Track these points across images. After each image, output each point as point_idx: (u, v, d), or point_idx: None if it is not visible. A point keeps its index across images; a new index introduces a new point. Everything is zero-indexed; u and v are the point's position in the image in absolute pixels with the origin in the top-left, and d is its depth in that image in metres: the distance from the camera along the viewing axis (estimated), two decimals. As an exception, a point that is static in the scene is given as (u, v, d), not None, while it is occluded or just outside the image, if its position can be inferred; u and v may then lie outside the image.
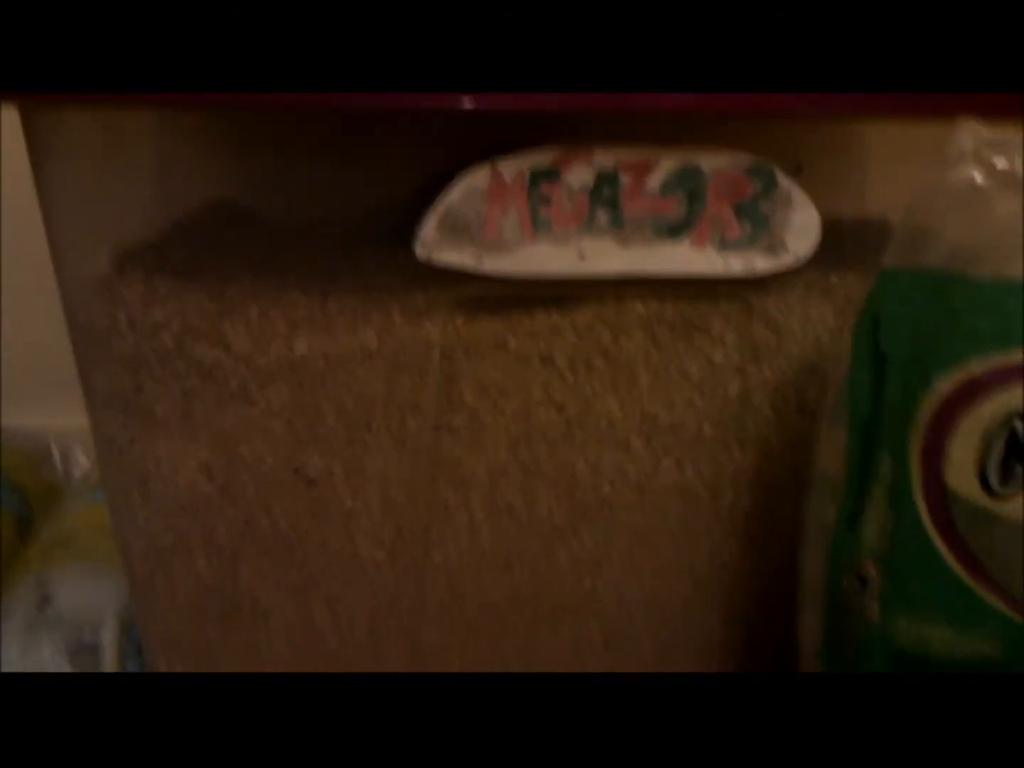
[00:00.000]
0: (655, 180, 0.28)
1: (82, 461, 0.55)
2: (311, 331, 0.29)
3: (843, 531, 0.28)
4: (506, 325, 0.30)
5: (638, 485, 0.32)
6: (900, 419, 0.26)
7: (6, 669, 0.37)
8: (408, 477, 0.31)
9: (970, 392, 0.25)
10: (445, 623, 0.34)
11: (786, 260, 0.29)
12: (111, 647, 0.38)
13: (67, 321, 0.29)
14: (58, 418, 0.50)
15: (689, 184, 0.28)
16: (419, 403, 0.30)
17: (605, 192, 0.28)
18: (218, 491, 0.31)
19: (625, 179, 0.27)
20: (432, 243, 0.27)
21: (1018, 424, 0.25)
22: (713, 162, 0.28)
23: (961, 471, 0.25)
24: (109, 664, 0.37)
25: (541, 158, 0.27)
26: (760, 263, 0.29)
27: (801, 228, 0.29)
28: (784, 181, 0.28)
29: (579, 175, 0.27)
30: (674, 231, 0.28)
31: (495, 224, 0.27)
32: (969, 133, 0.24)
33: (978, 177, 0.24)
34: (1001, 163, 0.24)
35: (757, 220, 0.28)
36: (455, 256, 0.28)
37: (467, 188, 0.27)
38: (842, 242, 0.30)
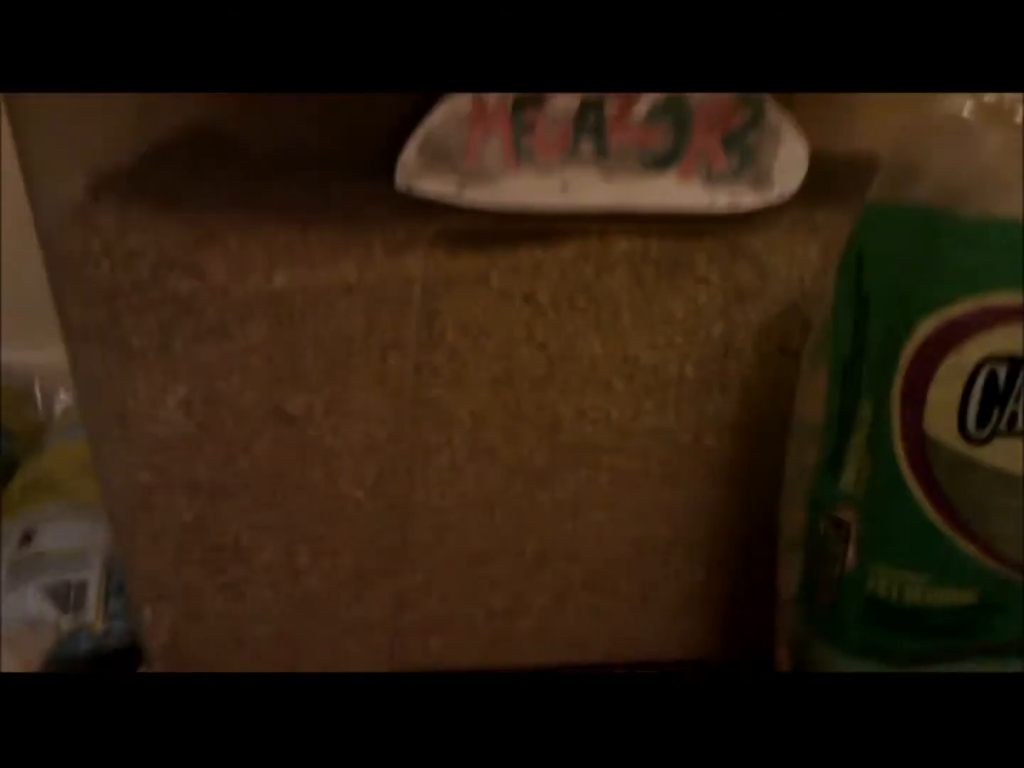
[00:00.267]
0: (641, 108, 0.27)
1: (64, 398, 0.54)
2: (290, 263, 0.29)
3: (822, 476, 0.28)
4: (488, 260, 0.30)
5: (620, 427, 0.32)
6: (882, 362, 0.26)
7: (-12, 610, 0.37)
8: (389, 416, 0.31)
9: (952, 335, 0.24)
10: (427, 565, 0.34)
11: (772, 195, 0.28)
12: (94, 586, 0.38)
13: (42, 251, 0.28)
14: (40, 354, 0.50)
15: (676, 113, 0.27)
16: (400, 340, 0.30)
17: (590, 120, 0.27)
18: (197, 428, 0.31)
19: (611, 107, 0.27)
20: (413, 170, 0.27)
21: (998, 368, 0.24)
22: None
23: (940, 417, 0.25)
24: (92, 603, 0.37)
25: (525, 84, 0.27)
26: (746, 198, 0.28)
27: (789, 161, 0.28)
28: (773, 112, 0.27)
29: (564, 102, 0.27)
30: (660, 163, 0.28)
31: (476, 151, 0.27)
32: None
33: (966, 110, 0.24)
34: (990, 97, 0.23)
35: (744, 152, 0.28)
36: (436, 184, 0.27)
37: (449, 113, 0.26)
38: (829, 178, 0.29)
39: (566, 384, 0.32)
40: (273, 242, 0.29)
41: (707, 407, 0.32)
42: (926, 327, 0.24)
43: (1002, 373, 0.24)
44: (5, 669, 0.35)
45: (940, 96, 0.24)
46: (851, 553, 0.27)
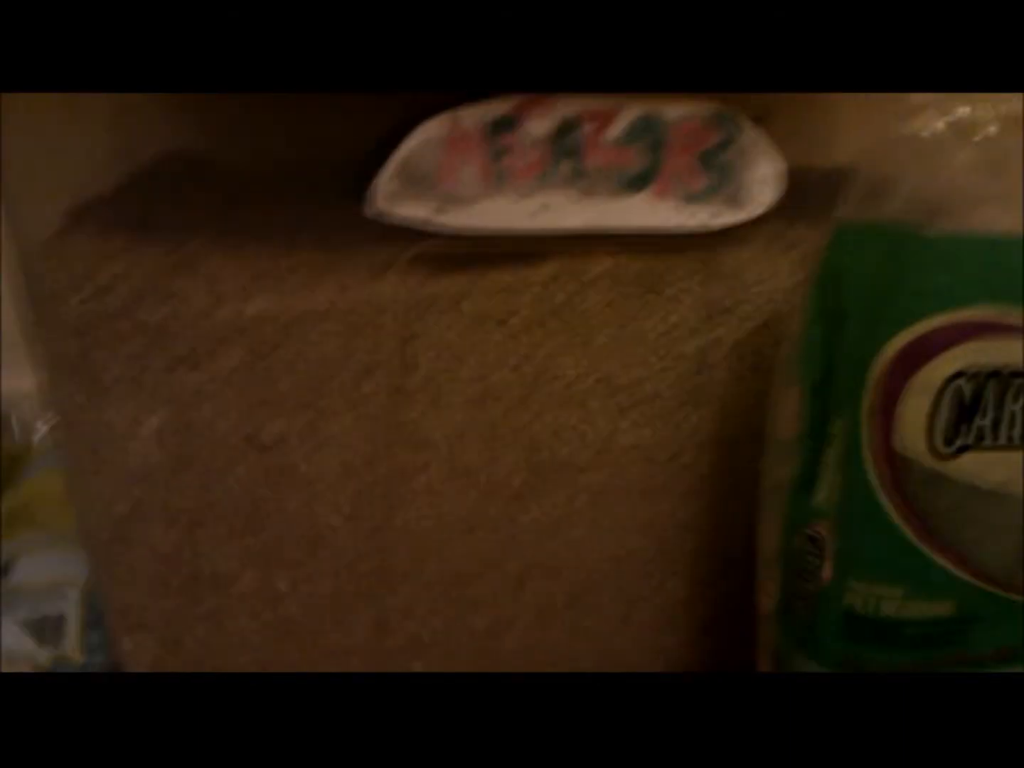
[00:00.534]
0: (616, 130, 0.27)
1: (42, 427, 0.54)
2: (265, 290, 0.29)
3: (796, 492, 0.28)
4: (462, 284, 0.30)
5: (597, 446, 0.32)
6: (853, 379, 0.26)
7: (-34, 642, 0.37)
8: (366, 441, 0.31)
9: (922, 351, 0.25)
10: (409, 589, 0.34)
11: (749, 211, 0.29)
12: (73, 619, 0.38)
13: (19, 282, 0.28)
14: (17, 382, 0.49)
15: (651, 133, 0.27)
16: (375, 365, 0.30)
17: (566, 142, 0.27)
18: (172, 458, 0.30)
19: (586, 129, 0.27)
20: (390, 194, 0.27)
21: (963, 384, 0.25)
22: (674, 111, 0.27)
23: (910, 432, 0.25)
24: (71, 636, 0.37)
25: (501, 107, 0.27)
26: (722, 215, 0.28)
27: (764, 179, 0.28)
28: (748, 130, 0.28)
29: (539, 124, 0.27)
30: (636, 183, 0.28)
31: (453, 175, 0.27)
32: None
33: (933, 129, 0.24)
34: (957, 114, 0.24)
35: (720, 170, 0.28)
36: (413, 208, 0.27)
37: (425, 137, 0.26)
38: (805, 195, 0.30)
39: (542, 404, 0.32)
40: (248, 269, 0.29)
41: (684, 424, 0.33)
42: (896, 343, 0.25)
43: (968, 389, 0.25)
44: (-17, 704, 0.35)
45: (909, 113, 0.24)
46: (827, 568, 0.27)
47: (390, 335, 0.30)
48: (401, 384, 0.31)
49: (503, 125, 0.27)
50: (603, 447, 0.32)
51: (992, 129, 0.23)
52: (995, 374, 0.25)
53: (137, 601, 0.33)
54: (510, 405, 0.31)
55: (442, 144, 0.27)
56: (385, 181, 0.27)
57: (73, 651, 0.37)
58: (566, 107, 0.27)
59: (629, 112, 0.27)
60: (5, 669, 0.36)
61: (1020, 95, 0.23)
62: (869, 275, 0.25)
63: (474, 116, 0.27)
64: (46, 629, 0.37)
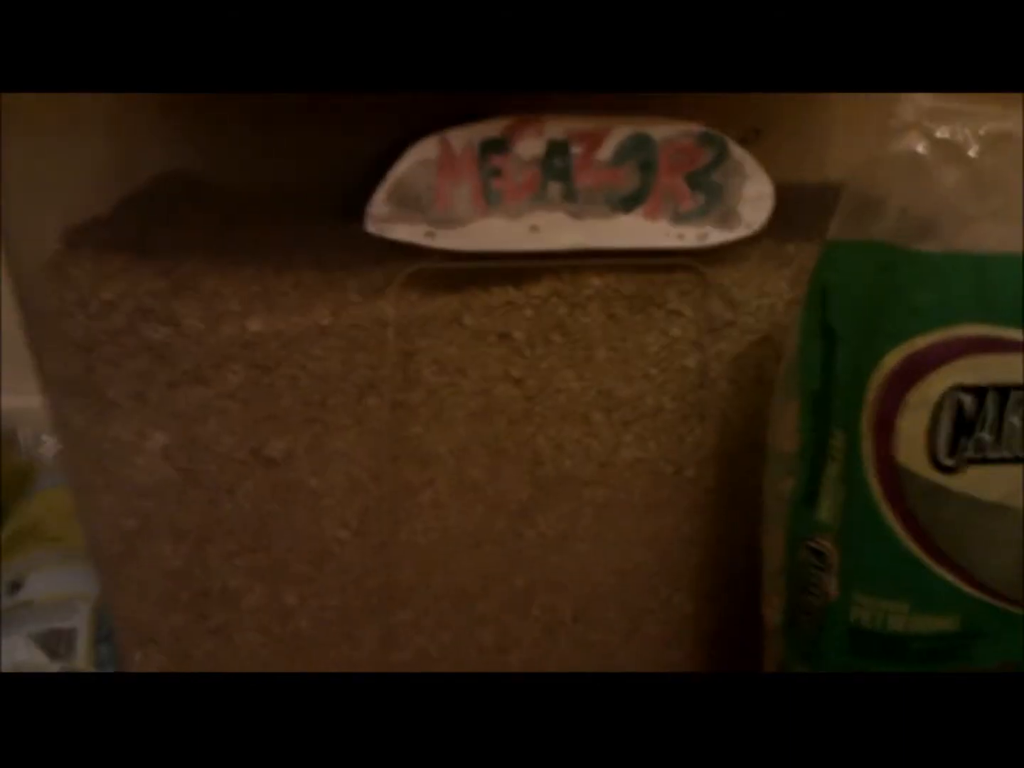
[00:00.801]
0: (606, 150, 0.27)
1: (50, 443, 0.54)
2: (265, 308, 0.29)
3: (799, 506, 0.28)
4: (462, 300, 0.30)
5: (600, 460, 0.32)
6: (851, 394, 0.26)
7: (-23, 657, 0.37)
8: (370, 456, 0.31)
9: (916, 367, 0.25)
10: (415, 603, 0.34)
11: (740, 231, 0.29)
12: (83, 633, 0.38)
13: (17, 301, 0.29)
14: (25, 399, 0.50)
15: (641, 154, 0.28)
16: (377, 381, 0.30)
17: (556, 163, 0.27)
18: (179, 473, 0.31)
19: (576, 149, 0.27)
20: (383, 217, 0.27)
21: (963, 398, 0.25)
22: (663, 131, 0.27)
23: (911, 446, 0.25)
24: (82, 651, 0.37)
25: (490, 128, 0.27)
26: (714, 234, 0.29)
27: (755, 198, 0.28)
28: (736, 150, 0.28)
29: (529, 146, 0.27)
30: (627, 203, 0.28)
31: (446, 197, 0.27)
32: (911, 103, 0.24)
33: (921, 148, 0.24)
34: (943, 133, 0.24)
35: (710, 190, 0.28)
36: (407, 230, 0.27)
37: (416, 160, 0.27)
38: (798, 211, 0.30)
39: (545, 419, 0.32)
40: (247, 287, 0.29)
41: (686, 437, 0.33)
42: (891, 359, 0.25)
43: (968, 402, 0.24)
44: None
45: (897, 132, 0.24)
46: (832, 583, 0.27)
47: (392, 350, 0.30)
48: (404, 399, 0.31)
49: (494, 147, 0.27)
50: (606, 461, 0.33)
51: (979, 148, 0.23)
52: (994, 388, 0.25)
53: (146, 616, 0.33)
54: (513, 419, 0.32)
55: (433, 166, 0.27)
56: (378, 204, 0.27)
57: (83, 665, 0.37)
58: (556, 128, 0.27)
59: (618, 133, 0.27)
60: (17, 683, 0.36)
61: (1006, 115, 0.23)
62: (860, 292, 0.26)
63: (465, 138, 0.27)
64: (57, 643, 0.38)
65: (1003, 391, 0.25)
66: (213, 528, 0.32)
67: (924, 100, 0.24)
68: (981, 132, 0.23)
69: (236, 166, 0.28)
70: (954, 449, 0.25)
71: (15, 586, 0.40)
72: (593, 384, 0.31)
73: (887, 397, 0.25)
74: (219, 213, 0.28)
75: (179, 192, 0.28)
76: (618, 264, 0.30)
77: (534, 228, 0.28)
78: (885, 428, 0.25)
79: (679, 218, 0.28)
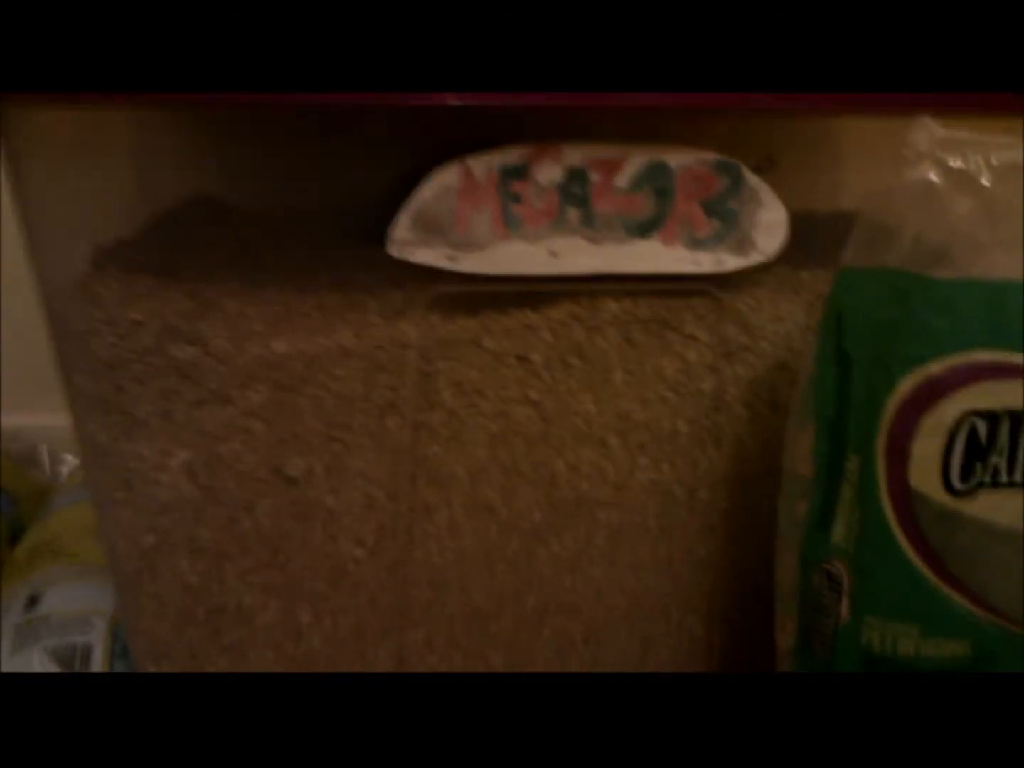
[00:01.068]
0: (624, 177, 0.28)
1: (70, 460, 0.55)
2: (289, 329, 0.29)
3: (813, 530, 0.28)
4: (482, 323, 0.30)
5: (615, 483, 0.33)
6: (865, 418, 0.26)
7: (-6, 671, 0.37)
8: (388, 476, 0.32)
9: (930, 392, 0.25)
10: (429, 623, 0.34)
11: (755, 257, 0.29)
12: (99, 649, 0.38)
13: (46, 321, 0.29)
14: (46, 417, 0.50)
15: (657, 181, 0.28)
16: (397, 402, 0.31)
17: (575, 189, 0.28)
18: (200, 491, 0.31)
19: (594, 176, 0.28)
20: (405, 242, 0.28)
21: (977, 423, 0.25)
22: (680, 159, 0.28)
23: (924, 470, 0.25)
24: (97, 666, 0.38)
25: (511, 155, 0.28)
26: (729, 260, 0.29)
27: (769, 225, 0.29)
28: (751, 178, 0.28)
29: (549, 172, 0.28)
30: (644, 229, 0.29)
31: (467, 222, 0.28)
32: (924, 133, 0.24)
33: (934, 177, 0.24)
34: (956, 163, 0.24)
35: (726, 217, 0.29)
36: (428, 255, 0.28)
37: (438, 186, 0.27)
38: (813, 237, 0.30)
39: (561, 441, 0.32)
40: (272, 309, 0.30)
41: (701, 461, 0.33)
42: (906, 385, 0.25)
43: (983, 428, 0.25)
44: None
45: (910, 162, 0.25)
46: (844, 606, 0.27)
47: (413, 371, 0.30)
48: (423, 420, 0.31)
49: (514, 173, 0.28)
50: (621, 484, 0.33)
51: (991, 178, 0.24)
52: (1008, 413, 0.25)
53: (162, 632, 0.33)
54: (530, 441, 0.32)
55: (455, 192, 0.27)
56: (400, 228, 0.28)
57: (99, 681, 0.37)
58: (575, 155, 0.28)
59: (636, 161, 0.28)
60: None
61: (1016, 145, 0.24)
62: (875, 318, 0.26)
63: (485, 164, 0.27)
64: (73, 658, 0.38)
65: (1016, 416, 0.25)
66: (231, 545, 0.32)
67: (937, 130, 0.24)
68: (993, 162, 0.24)
69: (261, 189, 0.29)
70: (967, 474, 0.25)
71: (32, 600, 0.40)
72: (609, 407, 0.32)
73: (901, 422, 0.25)
74: (244, 235, 0.29)
75: (205, 215, 0.29)
76: (635, 289, 0.30)
77: (553, 253, 0.29)
78: (899, 453, 0.25)
79: (695, 244, 0.29)
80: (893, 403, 0.25)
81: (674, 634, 0.35)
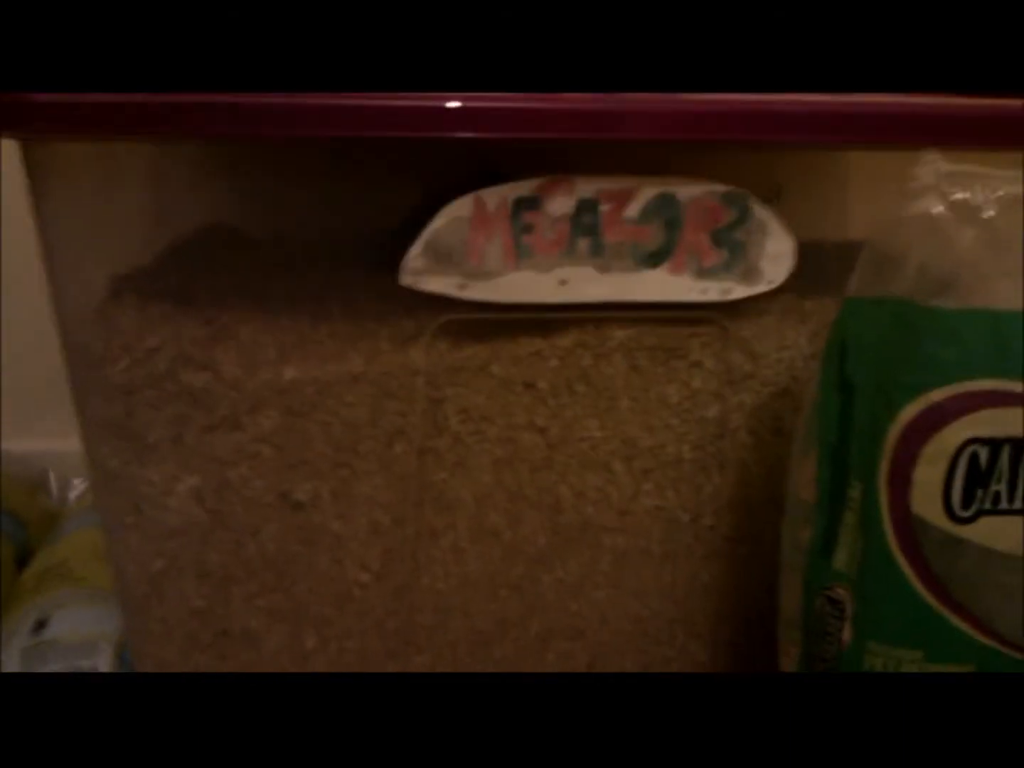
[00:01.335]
0: (634, 209, 0.29)
1: (78, 485, 0.55)
2: (300, 356, 0.30)
3: (816, 555, 0.29)
4: (489, 350, 0.31)
5: (620, 508, 0.33)
6: (868, 445, 0.27)
7: (0, 695, 0.37)
8: (395, 501, 0.32)
9: (932, 419, 0.25)
10: (433, 647, 0.34)
11: (761, 286, 0.30)
12: (106, 672, 0.38)
13: (63, 347, 0.29)
14: (55, 443, 0.51)
15: (667, 212, 0.29)
16: (405, 428, 0.31)
17: (585, 220, 0.28)
18: (208, 515, 0.31)
19: (605, 208, 0.28)
20: (417, 270, 0.28)
21: (979, 450, 0.25)
22: (689, 191, 0.29)
23: (926, 496, 0.26)
24: (101, 690, 0.38)
25: (523, 187, 0.28)
26: (736, 289, 0.30)
27: (776, 255, 0.29)
28: (759, 209, 0.29)
29: (560, 204, 0.28)
30: (653, 258, 0.29)
31: (479, 251, 0.28)
32: (929, 166, 0.25)
33: (939, 209, 0.25)
34: (960, 195, 0.25)
35: (733, 247, 0.29)
36: (440, 283, 0.28)
37: (451, 216, 0.28)
38: (819, 267, 0.31)
39: (567, 467, 0.32)
40: (284, 336, 0.30)
41: (705, 487, 0.33)
42: (908, 412, 0.25)
43: (984, 454, 0.25)
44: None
45: (914, 194, 0.25)
46: (847, 631, 0.28)
47: (421, 398, 0.31)
48: (431, 445, 0.31)
49: (526, 204, 0.28)
50: (626, 509, 0.33)
51: (994, 210, 0.24)
52: (1009, 440, 0.25)
53: (169, 656, 0.34)
54: (535, 467, 0.32)
55: (467, 223, 0.28)
56: (413, 258, 0.28)
57: (104, 705, 0.37)
58: (586, 188, 0.28)
59: (645, 193, 0.28)
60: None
61: (1020, 179, 0.24)
62: (878, 347, 0.26)
63: (497, 196, 0.28)
64: (78, 683, 0.38)
65: (1017, 443, 0.25)
66: (237, 569, 0.32)
67: (942, 164, 0.25)
68: (996, 195, 0.24)
69: (274, 219, 0.30)
70: (969, 500, 0.25)
71: (40, 624, 0.40)
72: (615, 433, 0.32)
73: (904, 449, 0.25)
74: (258, 264, 0.29)
75: (219, 243, 0.30)
76: (642, 317, 0.31)
77: (563, 281, 0.29)
78: (901, 479, 0.26)
79: (703, 273, 0.29)
80: (895, 430, 0.26)
81: (678, 659, 0.36)
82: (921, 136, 0.27)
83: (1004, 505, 0.26)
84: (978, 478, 0.25)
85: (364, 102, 0.26)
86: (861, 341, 0.26)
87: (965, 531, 0.26)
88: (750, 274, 0.29)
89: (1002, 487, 0.25)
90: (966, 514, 0.26)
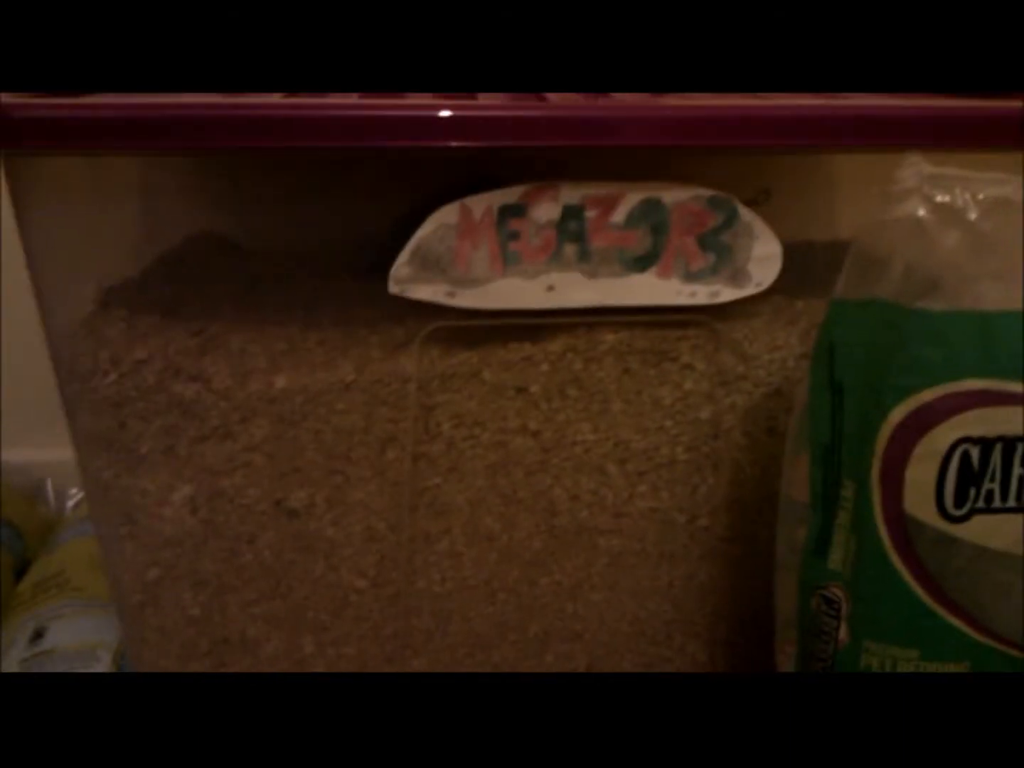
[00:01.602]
0: (620, 214, 0.29)
1: (75, 494, 0.55)
2: (290, 365, 0.30)
3: (811, 555, 0.29)
4: (480, 356, 0.31)
5: (615, 510, 0.33)
6: (859, 446, 0.27)
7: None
8: (389, 507, 0.32)
9: (922, 420, 0.25)
10: (431, 651, 0.34)
11: (750, 289, 0.30)
12: (103, 682, 0.38)
13: (52, 360, 0.29)
14: (52, 452, 0.51)
15: (652, 217, 0.29)
16: (397, 434, 0.31)
17: (571, 226, 0.28)
18: (202, 525, 0.31)
19: (590, 214, 0.28)
20: (405, 278, 0.28)
21: (970, 449, 0.25)
22: (675, 195, 0.29)
23: (919, 496, 0.26)
24: (101, 699, 0.38)
25: (508, 194, 0.28)
26: (724, 292, 0.30)
27: (764, 257, 0.29)
28: (745, 212, 0.29)
29: (546, 210, 0.28)
30: (640, 263, 0.29)
31: (465, 259, 0.28)
32: (912, 169, 0.25)
33: (922, 212, 0.25)
34: (943, 198, 0.25)
35: (720, 250, 0.29)
36: (428, 291, 0.28)
37: (438, 224, 0.28)
38: (808, 268, 0.31)
39: (560, 470, 0.32)
40: (274, 345, 0.30)
41: (700, 488, 0.33)
42: (898, 413, 0.25)
43: (975, 454, 0.25)
44: None
45: (899, 197, 0.25)
46: (843, 630, 0.28)
47: (413, 404, 0.31)
48: (423, 451, 0.31)
49: (512, 211, 0.28)
50: (621, 511, 0.33)
51: (977, 212, 0.24)
52: (1001, 439, 0.25)
53: (167, 664, 0.34)
54: (529, 470, 0.32)
55: (453, 230, 0.28)
56: (400, 266, 0.28)
57: (104, 714, 0.37)
58: (571, 194, 0.28)
59: (631, 198, 0.28)
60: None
61: (1003, 181, 0.24)
62: (867, 348, 0.26)
63: (482, 203, 0.28)
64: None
65: (1009, 442, 0.25)
66: (234, 577, 0.32)
67: (925, 167, 0.25)
68: (980, 197, 0.24)
69: (263, 228, 0.30)
70: (961, 499, 0.25)
71: (38, 634, 0.40)
72: (608, 436, 0.32)
73: (895, 449, 0.25)
74: (247, 274, 0.29)
75: (208, 254, 0.30)
76: (632, 320, 0.31)
77: (550, 287, 0.29)
78: (893, 479, 0.26)
79: (690, 277, 0.29)
80: (886, 431, 0.26)
81: (676, 659, 0.36)
82: (905, 138, 0.27)
83: (997, 503, 0.26)
84: (971, 477, 0.25)
85: (353, 112, 0.26)
86: (849, 343, 0.26)
87: (958, 530, 0.26)
88: (738, 277, 0.29)
89: (994, 486, 0.25)
90: (959, 513, 0.26)
